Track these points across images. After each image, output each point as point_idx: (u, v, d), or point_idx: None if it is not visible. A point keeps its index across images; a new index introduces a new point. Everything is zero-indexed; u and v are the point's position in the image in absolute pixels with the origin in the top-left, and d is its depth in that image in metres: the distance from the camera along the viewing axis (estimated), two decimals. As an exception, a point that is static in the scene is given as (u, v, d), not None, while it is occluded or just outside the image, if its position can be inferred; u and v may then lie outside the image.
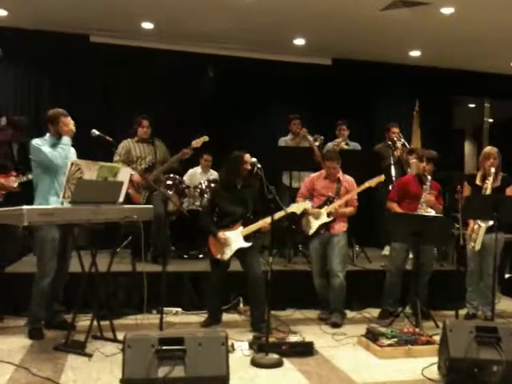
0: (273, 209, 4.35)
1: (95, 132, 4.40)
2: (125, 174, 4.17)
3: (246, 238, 4.70)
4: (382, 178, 5.15)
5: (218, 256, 4.73)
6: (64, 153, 4.30)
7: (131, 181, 5.48)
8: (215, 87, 7.94)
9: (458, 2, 6.14)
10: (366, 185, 5.10)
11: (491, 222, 4.82)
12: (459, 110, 9.38)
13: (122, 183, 4.11)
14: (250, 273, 4.69)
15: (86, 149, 4.62)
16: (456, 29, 6.91)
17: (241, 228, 4.71)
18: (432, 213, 5.15)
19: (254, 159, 4.69)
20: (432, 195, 5.18)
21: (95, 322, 4.19)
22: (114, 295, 5.03)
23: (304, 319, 5.23)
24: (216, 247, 4.75)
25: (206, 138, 5.85)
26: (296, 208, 4.70)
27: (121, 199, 4.14)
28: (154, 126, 6.03)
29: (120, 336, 3.76)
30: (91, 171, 3.92)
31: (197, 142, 5.86)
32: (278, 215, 4.49)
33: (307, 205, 4.85)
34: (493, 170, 5.01)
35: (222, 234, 4.69)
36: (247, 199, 4.78)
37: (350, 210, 5.11)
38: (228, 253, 4.71)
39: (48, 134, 4.41)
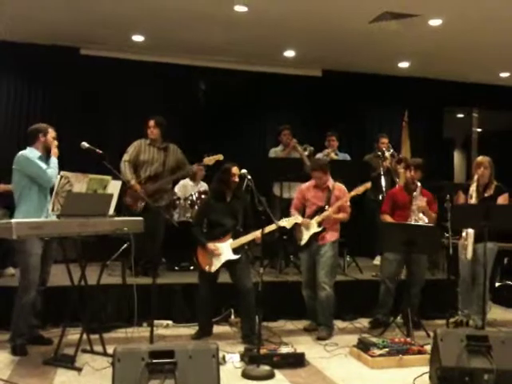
0: (263, 220, 4.35)
1: (85, 145, 4.39)
2: (114, 187, 4.17)
3: (235, 250, 4.70)
4: (369, 185, 5.15)
5: (206, 268, 4.72)
6: (56, 173, 4.23)
7: (130, 190, 5.48)
8: (207, 99, 7.97)
9: (445, 14, 6.21)
10: (353, 193, 5.10)
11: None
12: (448, 120, 9.46)
13: (111, 195, 4.11)
14: (239, 286, 4.68)
15: (76, 161, 4.61)
16: (444, 40, 6.99)
17: (230, 240, 4.71)
18: (424, 219, 5.16)
19: (244, 171, 4.70)
20: (423, 201, 5.19)
21: (85, 336, 4.15)
22: (103, 308, 4.99)
23: (296, 330, 5.22)
24: (204, 258, 4.74)
25: (220, 157, 5.72)
26: (287, 223, 4.70)
27: (111, 211, 4.13)
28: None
29: (110, 349, 3.74)
30: (80, 184, 3.92)
31: (209, 160, 5.77)
32: (269, 229, 4.48)
33: (298, 219, 4.84)
34: (476, 177, 5.05)
35: (211, 245, 4.69)
36: (237, 211, 4.79)
37: (342, 215, 5.08)
38: (216, 264, 4.69)
39: (32, 149, 4.33)
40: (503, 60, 7.89)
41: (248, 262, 4.93)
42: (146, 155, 5.75)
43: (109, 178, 4.19)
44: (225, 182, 4.79)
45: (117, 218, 4.20)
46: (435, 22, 6.43)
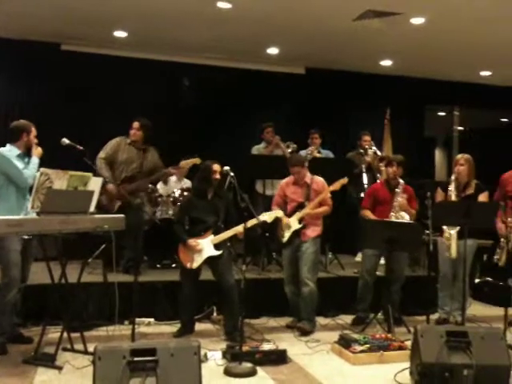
0: (246, 217, 4.35)
1: (65, 141, 4.35)
2: (95, 184, 4.13)
3: (217, 246, 4.69)
4: (345, 180, 5.16)
5: (188, 264, 4.71)
6: (34, 172, 4.18)
7: (105, 189, 5.42)
8: (190, 96, 7.94)
9: (428, 13, 6.25)
10: (331, 188, 5.11)
11: (458, 227, 4.91)
12: (430, 119, 9.55)
13: (92, 192, 4.07)
14: (222, 282, 4.69)
15: (57, 158, 4.56)
16: (426, 39, 7.04)
17: (211, 236, 4.70)
18: (405, 216, 5.20)
19: (226, 168, 4.69)
20: (404, 199, 5.23)
21: (65, 334, 4.11)
22: (85, 306, 4.95)
23: (278, 327, 5.23)
24: (186, 255, 4.73)
25: (197, 161, 5.64)
26: (268, 217, 4.70)
27: (92, 209, 4.09)
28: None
29: (91, 348, 3.70)
30: (61, 180, 3.88)
31: (186, 163, 5.75)
32: (250, 223, 4.49)
33: (279, 213, 4.86)
34: (453, 177, 5.10)
35: (192, 241, 4.67)
36: (219, 208, 4.78)
37: (324, 209, 5.09)
38: (198, 261, 4.68)
39: (13, 146, 4.27)
40: (484, 59, 7.99)
41: (230, 259, 4.92)
42: (125, 154, 5.64)
43: (90, 174, 4.16)
44: (206, 179, 4.78)
45: (98, 216, 4.17)
46: (417, 21, 6.47)
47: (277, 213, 4.84)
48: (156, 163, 5.82)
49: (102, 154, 5.58)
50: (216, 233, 4.71)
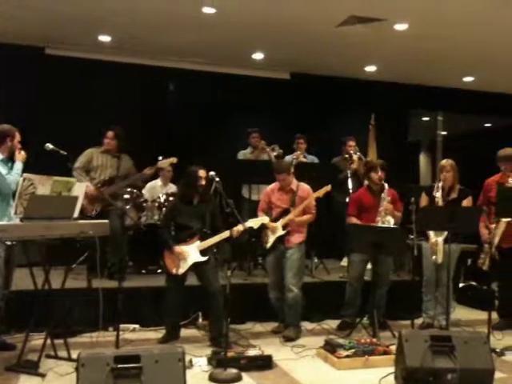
0: (231, 222, 4.34)
1: (49, 146, 4.32)
2: (79, 189, 4.10)
3: (203, 252, 4.67)
4: (329, 188, 5.18)
5: (174, 270, 4.68)
6: (18, 178, 4.15)
7: (85, 192, 5.39)
8: (175, 101, 7.93)
9: (411, 19, 6.32)
10: (315, 195, 5.13)
11: (445, 233, 4.95)
12: (414, 124, 9.63)
13: (76, 198, 4.04)
14: (207, 288, 4.67)
15: (40, 163, 4.53)
16: (410, 44, 7.12)
17: (197, 242, 4.69)
18: (391, 221, 5.23)
19: (212, 173, 4.69)
20: (389, 203, 5.25)
21: (49, 341, 4.07)
22: (69, 313, 4.90)
23: (264, 332, 5.22)
24: (171, 261, 4.70)
25: (174, 160, 5.71)
26: (254, 223, 4.70)
27: (76, 214, 4.06)
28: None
29: (75, 355, 3.65)
30: (44, 186, 3.85)
31: (163, 163, 5.75)
32: (237, 229, 4.49)
33: (265, 220, 4.86)
34: (440, 184, 5.15)
35: (178, 248, 4.65)
36: (204, 214, 4.76)
37: (307, 217, 5.11)
38: (184, 267, 4.66)
39: None
40: (466, 65, 8.09)
41: (216, 265, 4.91)
42: (99, 161, 5.73)
43: (74, 180, 4.13)
44: (191, 185, 4.77)
45: (82, 221, 4.14)
46: (401, 27, 6.54)
47: (263, 219, 4.85)
48: (129, 170, 5.85)
49: (76, 164, 5.60)
50: (202, 239, 4.69)
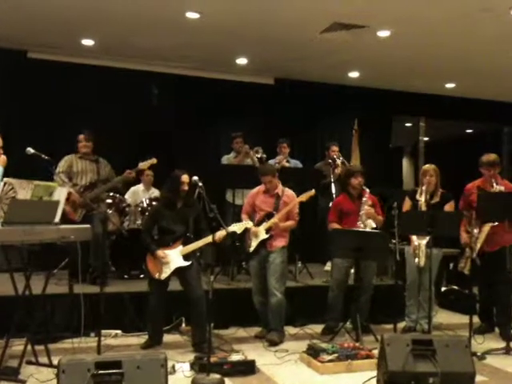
0: (214, 227, 4.33)
1: (30, 150, 4.29)
2: (61, 193, 4.06)
3: (186, 257, 4.65)
4: (313, 192, 5.20)
5: (156, 275, 4.66)
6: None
7: (68, 198, 5.35)
8: (159, 105, 7.91)
9: (393, 26, 6.38)
10: (299, 200, 5.14)
11: (428, 237, 4.99)
12: (397, 129, 9.72)
13: (57, 202, 3.99)
14: (190, 293, 4.65)
15: (23, 167, 4.49)
16: (392, 51, 7.19)
17: (180, 247, 4.67)
18: (372, 224, 5.25)
19: (195, 178, 4.67)
20: (370, 207, 5.27)
21: (30, 347, 4.01)
22: (50, 318, 4.85)
23: (247, 337, 5.22)
24: (154, 266, 4.68)
25: (154, 161, 5.73)
26: (237, 228, 4.70)
27: (57, 219, 4.02)
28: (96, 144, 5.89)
29: (56, 361, 3.61)
30: (25, 190, 3.81)
31: (144, 165, 5.75)
32: (219, 234, 4.47)
33: (248, 224, 4.86)
34: (424, 188, 5.20)
35: (161, 252, 4.63)
36: (188, 218, 4.75)
37: (290, 223, 5.12)
38: (166, 271, 4.64)
39: None
40: (448, 72, 8.19)
41: (199, 269, 4.88)
42: (79, 167, 5.72)
43: (55, 184, 4.09)
44: (174, 190, 4.75)
45: (63, 226, 4.09)
46: (383, 34, 6.60)
47: (247, 223, 4.84)
48: (109, 173, 5.85)
49: (59, 169, 5.58)
50: (185, 243, 4.68)
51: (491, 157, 5.22)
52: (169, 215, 4.75)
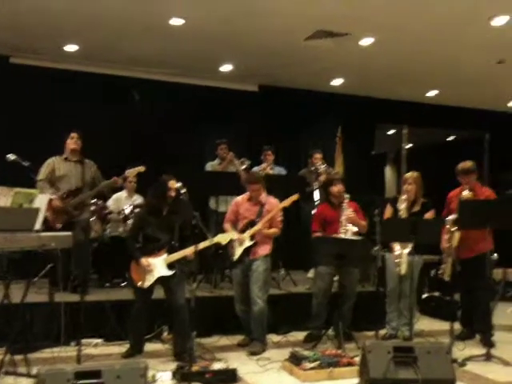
0: (197, 234, 4.30)
1: (10, 157, 4.24)
2: (42, 201, 4.02)
3: (170, 265, 4.59)
4: (296, 197, 5.20)
5: (139, 283, 4.60)
6: None
7: (50, 204, 5.29)
8: (142, 111, 7.88)
9: (376, 34, 6.45)
10: (282, 205, 5.14)
11: (411, 245, 5.01)
12: (380, 136, 9.78)
13: (38, 210, 3.96)
14: (172, 301, 4.60)
15: (3, 174, 4.45)
16: (375, 59, 7.26)
17: (165, 255, 4.60)
18: (354, 229, 5.27)
19: (178, 184, 4.64)
20: (351, 213, 5.28)
21: (8, 357, 3.95)
22: (30, 327, 4.78)
23: (230, 345, 5.19)
24: (138, 274, 4.62)
25: (141, 169, 5.61)
26: (223, 239, 4.68)
27: (37, 226, 3.98)
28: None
29: (35, 371, 3.58)
30: (5, 197, 3.78)
31: (131, 172, 5.64)
32: (203, 245, 4.45)
33: (233, 235, 4.84)
34: (404, 196, 5.24)
35: (144, 261, 4.57)
36: (174, 225, 4.65)
37: (273, 230, 5.11)
38: (150, 280, 4.58)
39: None
40: (431, 79, 8.28)
41: (183, 278, 4.77)
42: (62, 171, 5.58)
43: (36, 191, 4.06)
44: (161, 196, 4.67)
45: (43, 233, 4.05)
46: (367, 42, 6.66)
47: (231, 234, 4.83)
48: (95, 175, 5.75)
49: (39, 177, 5.45)
50: (170, 251, 4.60)
51: (467, 165, 5.25)
52: (154, 222, 4.67)
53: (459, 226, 4.98)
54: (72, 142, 5.66)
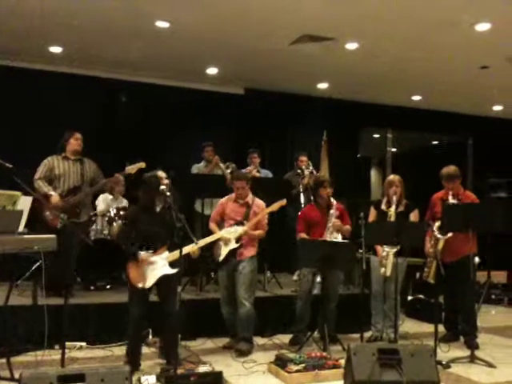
0: (182, 236, 4.25)
1: (-8, 160, 4.18)
2: (25, 203, 3.98)
3: (172, 263, 4.30)
4: (284, 202, 5.19)
5: (140, 284, 4.26)
6: None
7: (49, 203, 5.24)
8: (128, 113, 7.85)
9: (361, 39, 6.49)
10: (269, 210, 5.14)
11: (397, 247, 5.04)
12: (365, 140, 9.86)
13: (21, 212, 3.91)
14: (164, 305, 4.35)
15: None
16: (360, 63, 7.31)
17: (166, 253, 4.34)
18: (339, 237, 5.28)
19: (163, 187, 4.56)
20: (337, 220, 5.31)
21: (-10, 361, 3.92)
22: (13, 330, 4.72)
23: (215, 348, 5.18)
24: (136, 274, 4.27)
25: (142, 165, 5.46)
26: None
27: (20, 228, 3.94)
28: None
29: (18, 374, 3.53)
30: (-12, 200, 3.72)
31: (131, 168, 5.49)
32: (204, 241, 4.40)
33: (218, 235, 4.82)
34: (395, 198, 5.27)
35: (145, 255, 4.28)
36: (170, 221, 4.25)
37: (259, 232, 5.10)
38: (151, 279, 4.28)
39: None
40: (415, 84, 8.37)
41: (179, 282, 4.55)
42: (61, 169, 5.52)
43: (19, 193, 4.00)
44: (153, 189, 4.39)
45: (27, 236, 4.00)
46: (352, 46, 6.70)
47: (216, 235, 4.80)
48: (95, 173, 5.69)
49: (37, 175, 5.43)
50: (171, 249, 4.30)
51: (451, 169, 5.30)
52: (147, 219, 4.38)
53: (444, 230, 5.03)
54: (77, 143, 5.61)
